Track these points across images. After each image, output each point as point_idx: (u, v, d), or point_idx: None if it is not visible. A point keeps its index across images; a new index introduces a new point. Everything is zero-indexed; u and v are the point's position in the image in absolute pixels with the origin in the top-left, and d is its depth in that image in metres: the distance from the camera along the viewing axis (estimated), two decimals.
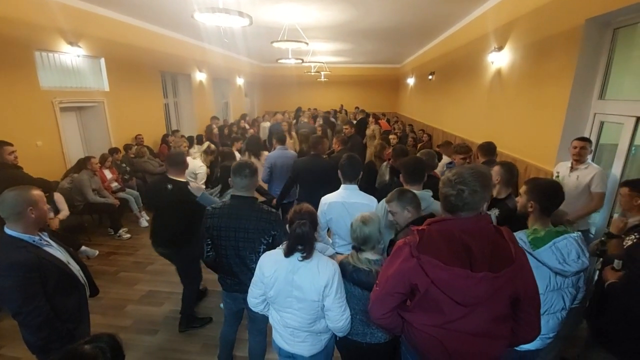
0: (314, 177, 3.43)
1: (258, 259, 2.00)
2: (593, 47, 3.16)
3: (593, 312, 1.96)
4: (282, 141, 4.28)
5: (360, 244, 1.82)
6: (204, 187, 2.67)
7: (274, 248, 1.89)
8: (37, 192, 1.76)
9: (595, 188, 2.84)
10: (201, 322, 3.09)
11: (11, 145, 3.50)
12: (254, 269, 1.80)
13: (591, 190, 2.86)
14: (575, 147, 2.96)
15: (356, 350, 1.88)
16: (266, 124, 9.39)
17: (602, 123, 3.26)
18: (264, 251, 2.01)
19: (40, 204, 1.75)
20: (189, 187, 2.69)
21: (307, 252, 1.66)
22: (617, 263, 1.89)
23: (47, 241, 1.84)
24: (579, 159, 2.94)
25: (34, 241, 1.74)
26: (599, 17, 2.98)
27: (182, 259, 2.91)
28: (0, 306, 3.22)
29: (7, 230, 1.69)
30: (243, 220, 2.04)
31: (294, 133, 6.90)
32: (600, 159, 3.38)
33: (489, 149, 3.55)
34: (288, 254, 1.68)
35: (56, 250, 1.86)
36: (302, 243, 1.65)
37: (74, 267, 1.93)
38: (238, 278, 2.15)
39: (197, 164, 3.95)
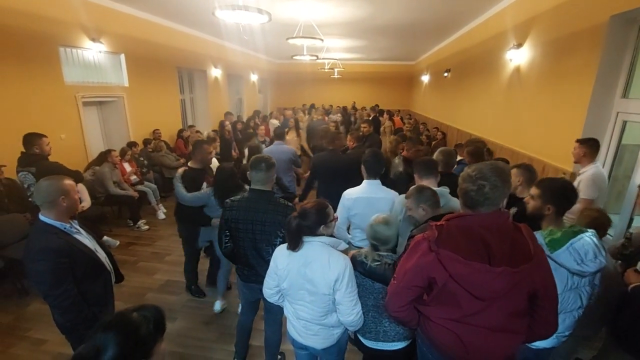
0: (331, 172, 3.47)
1: (274, 251, 2.06)
2: (617, 44, 3.08)
3: (613, 314, 1.94)
4: (279, 137, 4.34)
5: (380, 244, 1.84)
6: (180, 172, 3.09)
7: None
8: (69, 182, 1.84)
9: (581, 193, 2.67)
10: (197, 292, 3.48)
11: (47, 137, 3.65)
12: (270, 261, 1.85)
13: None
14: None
15: (375, 356, 1.91)
16: (275, 122, 9.41)
17: (624, 122, 3.19)
18: (280, 244, 2.06)
19: (71, 194, 1.83)
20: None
21: (290, 243, 1.72)
22: None
23: (77, 229, 1.92)
24: (575, 161, 2.97)
25: (65, 228, 1.81)
26: (624, 13, 2.91)
27: (183, 233, 3.32)
28: (29, 290, 3.39)
29: (41, 217, 1.77)
30: (260, 213, 2.10)
31: (301, 130, 6.93)
32: (621, 160, 3.31)
33: (478, 154, 3.37)
34: (288, 247, 1.74)
35: (85, 238, 1.94)
36: (288, 235, 1.72)
37: (101, 254, 2.01)
38: (255, 269, 2.21)
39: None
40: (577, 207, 2.77)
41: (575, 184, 2.80)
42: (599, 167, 2.92)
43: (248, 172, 2.20)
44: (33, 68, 4.35)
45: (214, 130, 7.60)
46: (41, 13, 4.40)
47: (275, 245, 2.06)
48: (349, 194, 2.59)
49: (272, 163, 2.18)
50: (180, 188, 2.97)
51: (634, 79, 3.11)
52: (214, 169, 3.72)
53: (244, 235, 2.15)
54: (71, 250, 1.75)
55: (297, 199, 3.84)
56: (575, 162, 3.02)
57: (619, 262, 2.22)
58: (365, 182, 2.60)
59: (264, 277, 1.91)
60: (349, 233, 2.73)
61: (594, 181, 2.78)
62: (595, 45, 3.20)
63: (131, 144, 5.74)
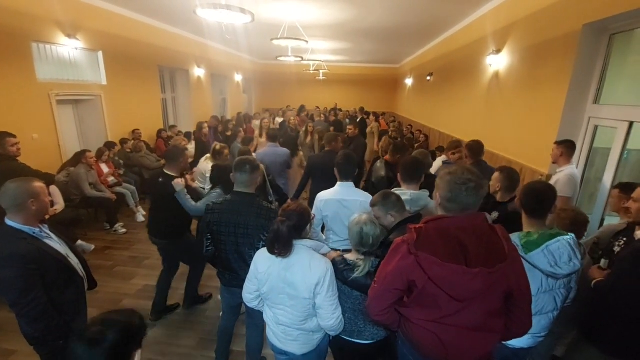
0: (326, 172, 3.47)
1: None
2: (589, 52, 3.21)
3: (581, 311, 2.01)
4: (273, 138, 4.32)
5: (368, 247, 1.81)
6: (182, 184, 2.77)
7: None
8: (38, 185, 1.75)
9: (558, 192, 2.87)
10: (203, 298, 3.36)
11: (14, 137, 3.48)
12: None
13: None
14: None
15: (348, 350, 1.90)
16: (257, 122, 9.32)
17: (596, 127, 3.32)
18: (263, 247, 2.04)
19: (41, 196, 1.75)
20: (173, 182, 2.74)
21: (281, 249, 1.65)
22: (603, 262, 1.94)
23: (47, 233, 1.84)
24: (553, 161, 3.09)
25: (34, 233, 1.73)
26: (595, 22, 3.03)
27: (177, 249, 3.02)
28: None
29: (8, 222, 1.69)
30: (243, 216, 2.06)
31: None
32: (593, 163, 3.45)
33: (477, 149, 3.47)
34: (268, 250, 1.69)
35: (56, 243, 1.85)
36: (277, 240, 1.65)
37: (73, 260, 1.93)
38: (236, 273, 2.17)
39: (207, 167, 3.92)
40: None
41: (552, 182, 2.90)
42: (574, 167, 3.04)
43: (231, 174, 2.16)
44: (3, 65, 4.15)
45: (187, 132, 7.47)
46: (13, 7, 4.21)
47: (258, 249, 2.03)
48: (321, 195, 2.60)
49: (256, 165, 2.15)
50: (189, 201, 2.76)
51: (605, 86, 3.24)
52: (205, 173, 3.61)
53: (226, 239, 2.11)
54: (40, 256, 1.67)
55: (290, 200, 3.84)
56: (553, 163, 3.12)
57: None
58: (338, 184, 2.61)
59: (244, 281, 1.87)
60: (322, 234, 2.74)
61: (570, 180, 2.89)
62: (569, 52, 3.32)
63: (110, 145, 5.56)
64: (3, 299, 2.86)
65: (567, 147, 2.98)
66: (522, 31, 4.29)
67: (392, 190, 2.25)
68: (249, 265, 2.01)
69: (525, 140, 4.08)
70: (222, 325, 2.48)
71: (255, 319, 2.30)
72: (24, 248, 1.63)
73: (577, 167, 3.36)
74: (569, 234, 1.72)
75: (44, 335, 1.72)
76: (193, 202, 2.76)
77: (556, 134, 3.45)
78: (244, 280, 1.92)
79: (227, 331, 2.49)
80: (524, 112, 4.15)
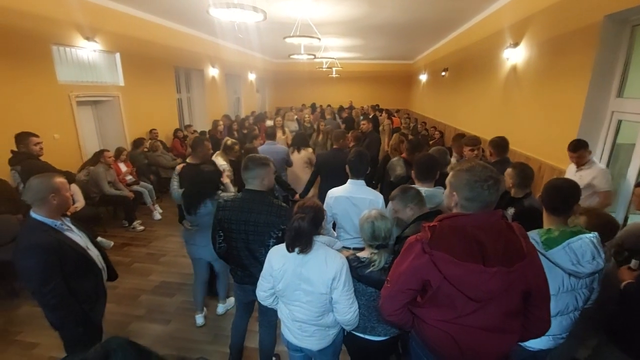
0: (334, 170, 3.47)
1: (267, 253, 2.03)
2: (611, 44, 3.09)
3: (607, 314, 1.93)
4: (271, 136, 4.33)
5: (381, 241, 1.80)
6: (179, 169, 3.11)
7: (284, 242, 1.92)
8: (59, 180, 1.85)
9: (600, 187, 2.82)
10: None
11: (37, 136, 3.60)
12: (264, 262, 1.82)
13: (596, 189, 2.84)
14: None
15: (360, 346, 1.90)
16: (270, 122, 9.35)
17: (619, 122, 3.19)
18: (273, 245, 2.04)
19: (62, 191, 1.84)
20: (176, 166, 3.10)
21: (303, 246, 1.65)
22: (634, 263, 1.86)
23: (68, 226, 1.93)
24: (579, 165, 2.99)
25: (55, 225, 1.83)
26: (617, 13, 2.91)
27: None
28: (19, 292, 3.35)
29: (32, 215, 1.79)
30: (253, 213, 2.07)
31: (287, 129, 6.96)
32: (616, 159, 3.31)
33: (502, 145, 3.35)
34: (288, 248, 1.69)
35: (76, 235, 1.95)
36: (298, 237, 1.65)
37: (93, 252, 2.02)
38: (248, 270, 2.19)
39: (218, 163, 3.98)
40: (597, 200, 2.82)
41: (587, 179, 2.82)
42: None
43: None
44: (25, 67, 4.30)
45: (203, 131, 7.58)
46: (34, 11, 4.35)
47: (268, 247, 2.04)
48: (332, 192, 2.60)
49: (265, 163, 2.15)
50: (174, 184, 2.96)
51: (628, 79, 3.11)
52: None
53: (237, 236, 2.13)
54: (60, 247, 1.77)
55: (297, 195, 3.87)
56: (579, 165, 2.99)
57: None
58: (349, 181, 2.60)
59: (257, 279, 1.89)
60: (334, 231, 2.73)
61: (606, 172, 2.86)
62: (590, 45, 3.19)
63: (138, 143, 5.89)
64: (27, 293, 2.97)
65: (579, 148, 2.93)
66: (541, 23, 4.16)
67: None
68: (259, 262, 2.04)
69: (544, 136, 3.96)
70: (236, 322, 2.50)
71: (268, 317, 2.31)
72: (44, 239, 1.73)
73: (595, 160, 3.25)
74: (592, 232, 1.65)
75: (64, 323, 1.81)
76: (176, 187, 2.98)
77: (577, 129, 3.33)
78: (255, 277, 1.93)
79: (240, 328, 2.51)
80: (543, 107, 4.03)
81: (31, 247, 1.69)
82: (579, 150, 2.92)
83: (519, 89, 4.69)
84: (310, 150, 4.69)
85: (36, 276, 1.68)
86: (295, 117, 9.23)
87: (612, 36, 3.06)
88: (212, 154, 3.71)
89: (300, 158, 4.55)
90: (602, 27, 3.05)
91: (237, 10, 3.48)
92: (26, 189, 1.79)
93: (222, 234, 2.20)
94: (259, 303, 2.07)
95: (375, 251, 1.80)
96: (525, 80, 4.50)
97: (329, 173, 3.58)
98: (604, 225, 2.03)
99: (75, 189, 4.01)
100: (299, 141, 4.67)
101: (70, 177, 3.81)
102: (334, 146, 3.82)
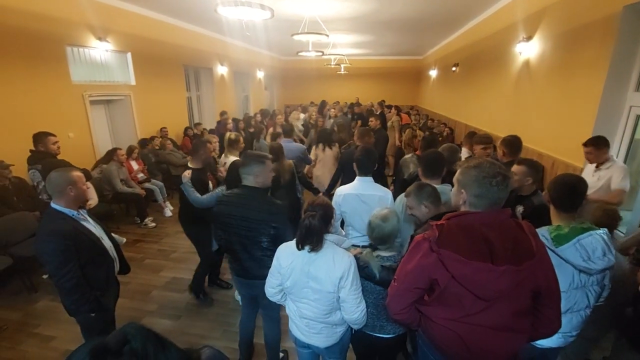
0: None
1: (260, 249, 2.07)
2: (630, 36, 2.98)
3: (621, 315, 1.89)
4: (287, 133, 4.31)
5: (378, 242, 1.81)
6: (188, 176, 2.85)
7: (278, 241, 1.93)
8: (76, 174, 1.98)
9: (615, 185, 2.73)
10: (204, 299, 3.32)
11: (54, 136, 3.70)
12: (257, 258, 1.84)
13: (611, 187, 2.75)
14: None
15: (368, 343, 1.89)
16: (280, 118, 9.32)
17: (638, 117, 3.08)
18: (267, 243, 2.09)
19: (79, 184, 1.97)
20: (182, 174, 2.88)
21: (314, 244, 1.66)
22: None
23: (84, 217, 2.07)
24: (597, 163, 2.88)
25: (73, 215, 1.97)
26: (637, 3, 2.81)
27: (191, 236, 3.22)
28: (37, 287, 3.45)
29: (53, 205, 1.95)
30: (247, 209, 2.10)
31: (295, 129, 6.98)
32: (634, 155, 3.21)
33: (516, 145, 3.14)
34: (298, 245, 1.69)
35: (92, 226, 2.09)
36: (309, 235, 1.65)
37: (106, 242, 2.15)
38: (242, 264, 2.21)
39: (230, 160, 3.96)
40: (609, 197, 2.74)
41: (594, 180, 2.75)
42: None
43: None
44: (41, 68, 4.41)
45: (212, 129, 7.63)
46: (48, 13, 4.45)
47: (262, 244, 2.09)
48: (340, 190, 2.59)
49: (261, 161, 2.15)
50: (193, 192, 2.84)
51: None
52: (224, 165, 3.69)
53: (231, 230, 2.17)
54: (76, 235, 1.90)
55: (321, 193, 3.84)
56: (598, 164, 2.89)
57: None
58: (357, 179, 2.58)
59: (250, 273, 1.95)
60: (342, 229, 2.72)
61: (627, 170, 2.76)
62: (608, 36, 3.09)
63: (144, 142, 5.90)
64: (45, 288, 3.06)
65: (593, 147, 2.83)
66: (555, 16, 4.04)
67: None
68: (251, 256, 2.11)
69: (558, 132, 3.86)
70: (243, 318, 2.53)
71: (270, 312, 2.33)
72: (62, 226, 1.87)
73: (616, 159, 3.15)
74: (602, 228, 1.61)
75: (78, 307, 1.94)
76: (197, 195, 2.82)
77: (592, 125, 3.24)
78: (248, 271, 1.99)
79: (248, 324, 2.53)
80: (556, 102, 3.92)
81: (50, 233, 1.83)
82: (601, 147, 2.80)
83: (531, 84, 4.58)
84: (337, 146, 4.54)
85: (54, 259, 1.82)
86: (302, 115, 9.21)
87: (631, 27, 2.95)
88: (220, 155, 3.69)
89: (331, 155, 4.42)
90: (621, 18, 2.95)
91: (244, 8, 3.49)
92: (47, 182, 1.93)
93: (219, 227, 2.25)
94: (260, 298, 2.09)
95: (375, 253, 1.80)
96: (539, 74, 4.39)
97: (351, 170, 3.56)
98: (603, 217, 2.00)
99: (89, 186, 4.10)
100: (325, 138, 4.50)
101: (87, 175, 3.90)
102: (358, 143, 3.72)
